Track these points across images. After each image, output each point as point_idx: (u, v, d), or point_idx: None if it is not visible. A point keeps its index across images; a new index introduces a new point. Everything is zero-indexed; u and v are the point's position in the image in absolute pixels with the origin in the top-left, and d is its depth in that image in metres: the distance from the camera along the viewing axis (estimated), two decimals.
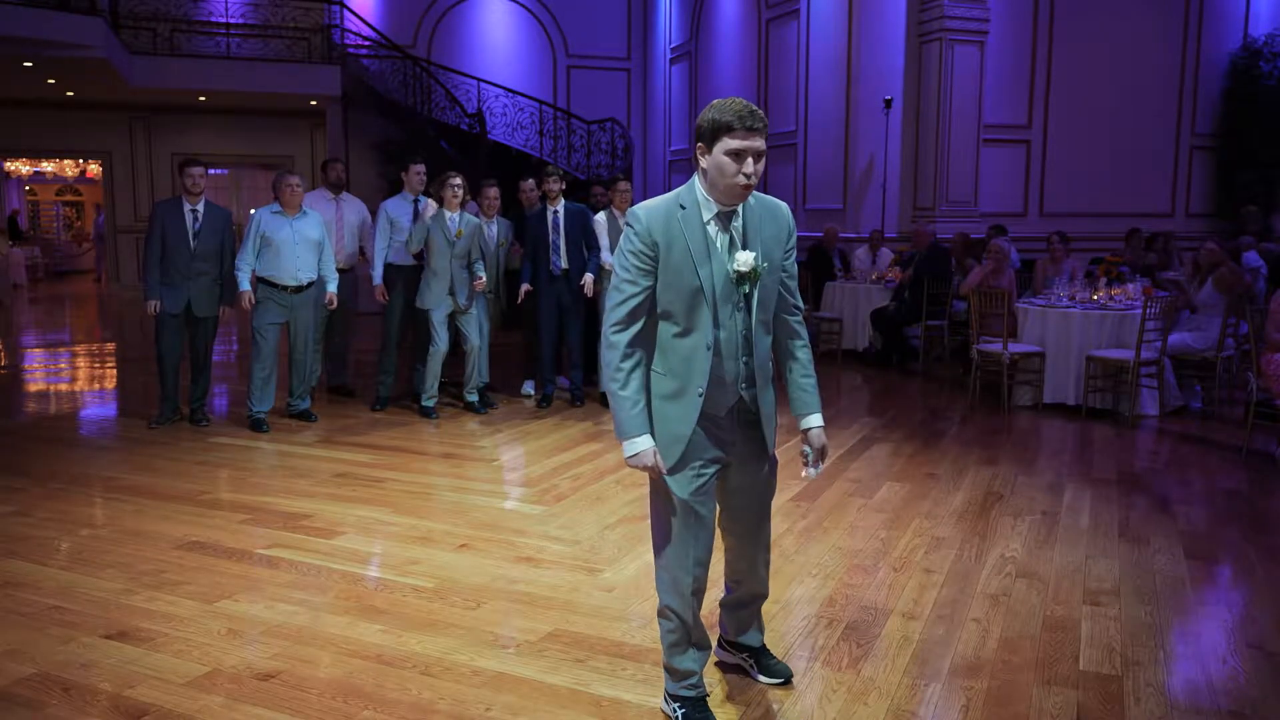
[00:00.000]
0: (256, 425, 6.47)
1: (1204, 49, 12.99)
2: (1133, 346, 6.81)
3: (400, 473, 5.51)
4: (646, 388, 2.62)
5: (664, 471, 2.61)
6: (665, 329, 2.61)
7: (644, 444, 2.57)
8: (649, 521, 2.75)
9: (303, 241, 6.42)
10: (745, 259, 2.55)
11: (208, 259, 6.37)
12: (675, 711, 2.79)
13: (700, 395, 2.60)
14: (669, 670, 2.82)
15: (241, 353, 10.43)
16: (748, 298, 2.61)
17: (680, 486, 2.64)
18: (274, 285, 6.41)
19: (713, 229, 2.57)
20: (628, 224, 2.58)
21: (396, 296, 6.99)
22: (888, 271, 10.05)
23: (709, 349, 2.58)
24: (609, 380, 2.60)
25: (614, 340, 2.58)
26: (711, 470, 2.68)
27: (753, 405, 2.69)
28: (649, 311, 2.61)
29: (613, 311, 2.59)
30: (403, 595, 3.75)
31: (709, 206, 2.57)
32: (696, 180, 2.60)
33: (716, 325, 2.58)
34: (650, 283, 2.57)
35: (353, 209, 7.43)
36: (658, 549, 2.75)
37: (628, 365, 2.58)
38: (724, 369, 2.61)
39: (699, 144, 2.52)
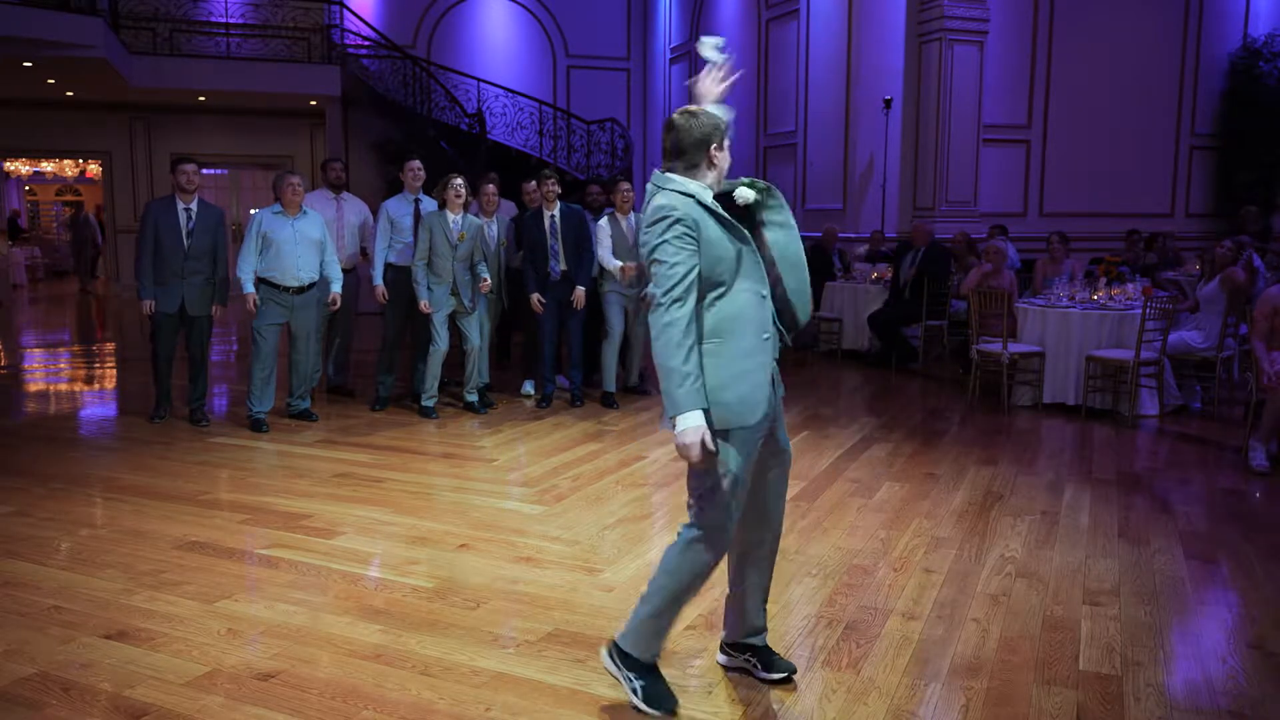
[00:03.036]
0: (256, 425, 6.47)
1: (1204, 49, 12.99)
2: (1132, 346, 6.81)
3: (400, 473, 5.51)
4: (701, 368, 2.67)
5: (713, 448, 2.64)
6: (715, 299, 2.71)
7: (699, 419, 2.61)
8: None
9: (304, 242, 6.42)
10: (746, 193, 2.81)
11: (201, 258, 6.37)
12: (634, 684, 2.82)
13: (767, 339, 2.75)
14: (658, 626, 2.82)
15: (241, 353, 10.42)
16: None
17: (737, 455, 2.69)
18: (275, 286, 6.39)
19: (713, 205, 2.78)
20: (665, 215, 2.66)
21: (397, 296, 6.99)
22: (886, 271, 10.05)
23: (764, 297, 2.76)
24: (669, 357, 2.60)
25: (674, 317, 2.61)
26: (760, 437, 2.77)
27: (775, 355, 2.84)
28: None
29: (670, 290, 2.62)
30: (402, 595, 3.75)
31: (707, 191, 2.77)
32: (681, 176, 2.76)
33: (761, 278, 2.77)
34: (699, 259, 2.67)
35: (354, 209, 7.42)
36: (701, 520, 2.75)
37: (689, 341, 2.62)
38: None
39: (714, 144, 2.75)
